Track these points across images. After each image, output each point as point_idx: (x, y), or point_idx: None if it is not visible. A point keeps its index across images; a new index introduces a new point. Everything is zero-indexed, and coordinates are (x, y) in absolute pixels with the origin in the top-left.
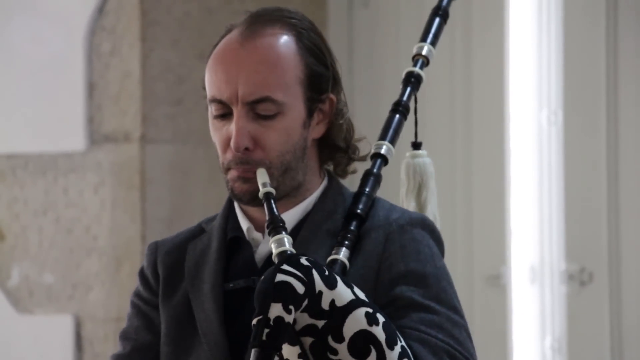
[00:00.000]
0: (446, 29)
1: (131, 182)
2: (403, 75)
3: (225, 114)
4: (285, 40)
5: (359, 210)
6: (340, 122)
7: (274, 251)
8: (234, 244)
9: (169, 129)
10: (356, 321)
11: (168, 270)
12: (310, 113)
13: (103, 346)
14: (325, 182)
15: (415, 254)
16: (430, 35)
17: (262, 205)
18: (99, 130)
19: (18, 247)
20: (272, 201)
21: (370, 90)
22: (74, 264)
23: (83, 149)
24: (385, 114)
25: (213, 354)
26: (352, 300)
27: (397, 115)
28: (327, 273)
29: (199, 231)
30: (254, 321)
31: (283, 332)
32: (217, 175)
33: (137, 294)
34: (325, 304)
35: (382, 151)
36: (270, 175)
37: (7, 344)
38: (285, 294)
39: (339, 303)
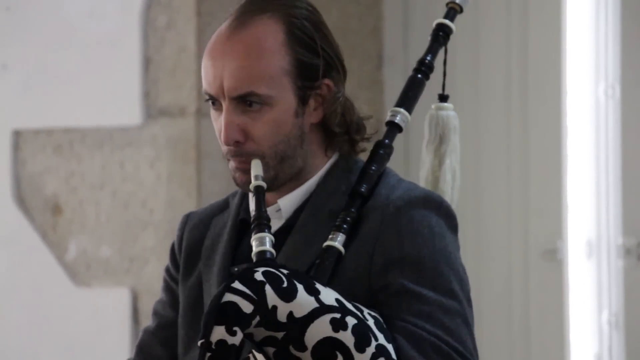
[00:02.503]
0: (502, 2)
1: (187, 156)
2: (433, 26)
3: (217, 105)
4: (271, 31)
5: (361, 189)
6: (333, 109)
7: (254, 249)
8: (245, 226)
9: None
10: (319, 329)
11: (189, 248)
12: (303, 101)
13: None
14: (332, 161)
15: (412, 237)
16: None
17: (274, 190)
18: (155, 105)
19: (75, 221)
20: (261, 196)
21: None
22: (130, 237)
23: (139, 123)
24: (438, 88)
25: None
26: (314, 309)
27: (419, 76)
28: (285, 285)
29: (225, 205)
30: (198, 343)
31: (227, 354)
32: None
33: (166, 269)
34: (281, 317)
35: (397, 120)
36: (266, 165)
37: (65, 316)
38: (229, 315)
39: (298, 314)
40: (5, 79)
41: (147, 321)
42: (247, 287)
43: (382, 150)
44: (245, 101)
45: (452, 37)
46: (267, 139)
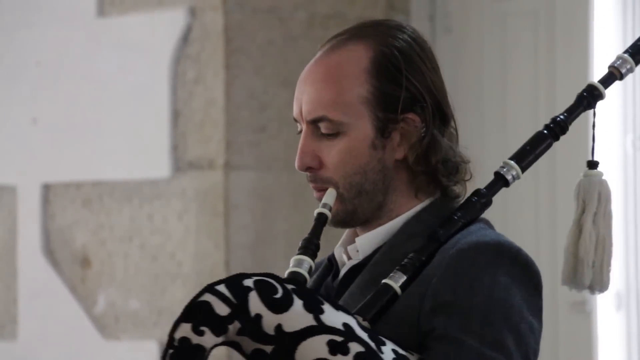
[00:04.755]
0: (529, 52)
1: (215, 209)
2: (584, 86)
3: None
4: (356, 57)
5: (437, 234)
6: (412, 142)
7: (288, 269)
8: (333, 264)
9: (252, 156)
10: (313, 349)
11: None
12: (382, 133)
13: None
14: (423, 205)
15: (469, 282)
16: (634, 45)
17: (354, 226)
18: (183, 158)
19: (104, 274)
20: (320, 224)
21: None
22: (159, 290)
23: (168, 176)
24: (468, 139)
25: None
26: (310, 327)
27: (545, 132)
28: (278, 296)
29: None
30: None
31: (191, 354)
32: (300, 202)
33: None
34: (268, 329)
35: (503, 171)
36: (341, 197)
37: None
38: (198, 314)
39: (288, 328)
40: (35, 132)
41: None
42: (229, 290)
43: (476, 199)
44: (320, 126)
45: (479, 90)
46: (340, 168)
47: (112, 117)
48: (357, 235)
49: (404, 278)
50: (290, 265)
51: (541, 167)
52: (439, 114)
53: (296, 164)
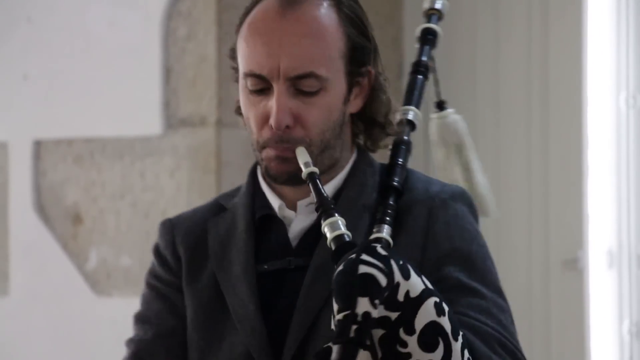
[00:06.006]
0: (523, 11)
1: (207, 166)
2: (418, 33)
3: (263, 89)
4: (326, 10)
5: (395, 183)
6: (383, 96)
7: (329, 235)
8: (263, 223)
9: None
10: (427, 312)
11: (190, 252)
12: (350, 88)
13: None
14: (355, 156)
15: (460, 231)
16: None
17: (299, 185)
18: (175, 115)
19: (96, 231)
20: (318, 181)
21: (445, 86)
22: (150, 247)
23: (159, 133)
24: (460, 109)
25: (250, 340)
26: (423, 290)
27: (419, 77)
28: (401, 262)
29: (217, 208)
30: (340, 316)
31: (371, 327)
32: None
33: (154, 275)
34: (400, 296)
35: (410, 117)
36: (310, 154)
37: (85, 326)
38: (371, 287)
39: (412, 294)
40: (26, 89)
41: None
42: (378, 260)
43: (405, 146)
44: (300, 84)
45: (472, 48)
46: (318, 125)
47: (103, 74)
48: (279, 192)
49: (389, 229)
50: (327, 231)
51: (533, 129)
52: None
53: (274, 123)
